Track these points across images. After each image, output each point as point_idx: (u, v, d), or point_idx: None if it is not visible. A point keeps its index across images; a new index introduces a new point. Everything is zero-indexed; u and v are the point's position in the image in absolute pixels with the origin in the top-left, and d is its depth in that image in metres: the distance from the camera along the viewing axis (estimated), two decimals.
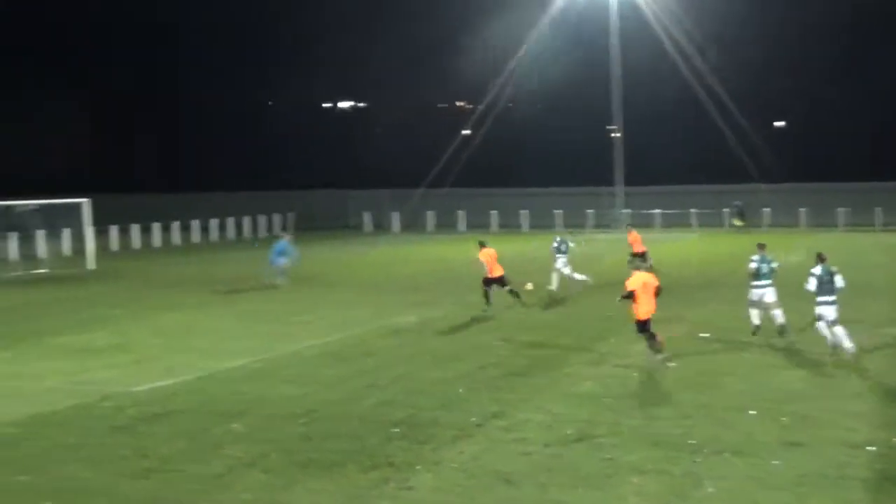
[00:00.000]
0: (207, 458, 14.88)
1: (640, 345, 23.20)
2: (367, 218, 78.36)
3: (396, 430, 16.26)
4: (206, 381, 20.53)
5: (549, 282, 33.38)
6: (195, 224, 68.37)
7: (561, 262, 33.93)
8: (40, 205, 50.95)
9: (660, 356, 21.68)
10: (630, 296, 21.70)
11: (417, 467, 14.28)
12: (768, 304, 24.16)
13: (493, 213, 75.09)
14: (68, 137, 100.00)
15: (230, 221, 72.03)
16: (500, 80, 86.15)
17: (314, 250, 54.00)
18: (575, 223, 72.46)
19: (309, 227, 79.93)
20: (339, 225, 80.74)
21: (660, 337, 21.96)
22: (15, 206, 50.12)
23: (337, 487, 13.52)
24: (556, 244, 34.45)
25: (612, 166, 74.23)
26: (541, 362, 21.98)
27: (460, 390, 19.14)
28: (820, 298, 21.75)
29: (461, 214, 75.85)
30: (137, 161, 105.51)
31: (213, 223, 70.40)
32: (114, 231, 61.36)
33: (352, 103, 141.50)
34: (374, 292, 36.00)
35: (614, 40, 71.20)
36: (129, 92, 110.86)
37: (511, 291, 30.47)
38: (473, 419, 16.90)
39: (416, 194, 78.05)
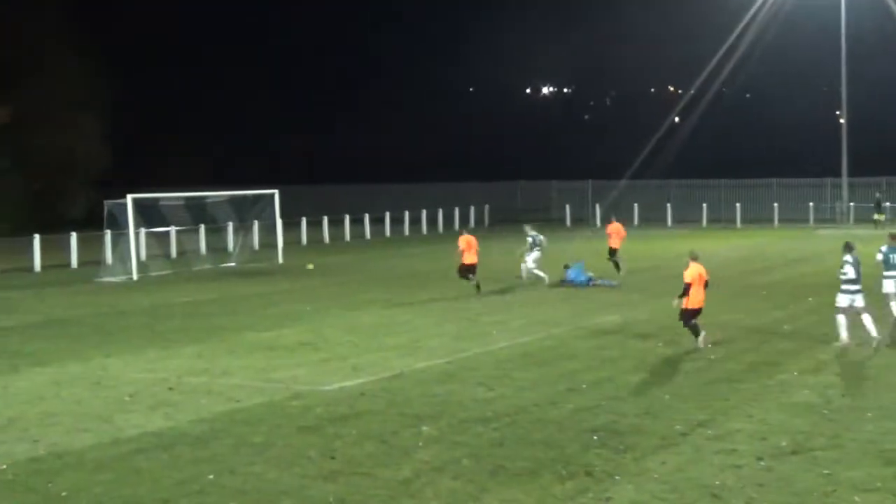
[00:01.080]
0: (396, 462, 15.16)
1: (865, 351, 22.73)
2: (567, 211, 78.17)
3: (595, 437, 16.23)
4: (395, 381, 20.89)
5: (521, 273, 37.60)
6: (387, 217, 69.48)
7: (533, 257, 37.17)
8: (230, 196, 52.77)
9: (702, 346, 23.71)
10: (688, 289, 23.66)
11: (617, 477, 14.22)
12: (887, 294, 25.31)
13: (704, 205, 73.95)
14: (260, 133, 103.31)
15: (424, 214, 72.92)
16: (713, 62, 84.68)
17: (509, 245, 54.26)
18: (794, 218, 70.84)
19: (508, 219, 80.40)
20: (539, 218, 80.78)
21: (703, 332, 23.95)
22: (207, 197, 52.04)
23: (530, 497, 13.56)
24: (531, 239, 37.15)
25: (839, 155, 72.10)
26: (754, 368, 21.60)
27: (665, 396, 18.97)
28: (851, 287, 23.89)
29: (669, 207, 74.96)
30: (325, 153, 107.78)
31: (406, 216, 71.38)
32: (303, 224, 62.96)
33: (554, 89, 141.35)
34: (571, 290, 35.93)
35: (843, 17, 69.08)
36: (324, 84, 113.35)
37: (476, 284, 34.84)
38: (678, 427, 16.74)
39: (620, 185, 77.54)
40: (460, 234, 36.40)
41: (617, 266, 39.38)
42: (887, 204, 69.35)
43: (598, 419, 17.37)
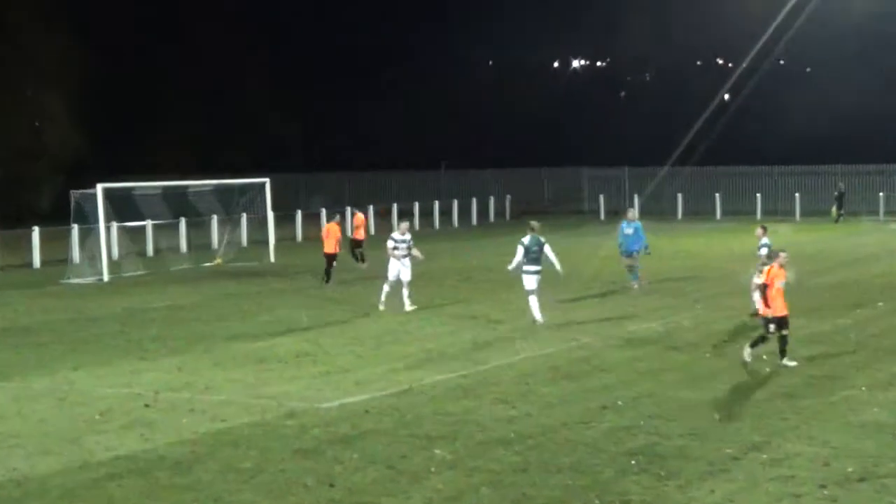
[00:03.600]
0: (405, 491, 15.15)
1: None
2: (601, 202, 77.98)
3: (634, 462, 16.21)
4: (404, 397, 20.89)
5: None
6: (395, 209, 69.36)
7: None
8: (215, 186, 52.74)
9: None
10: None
11: None
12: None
13: (757, 196, 73.77)
14: (251, 115, 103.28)
15: (436, 206, 72.84)
16: (769, 32, 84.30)
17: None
18: (862, 209, 70.65)
19: (535, 211, 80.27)
20: (570, 209, 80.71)
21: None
22: (188, 187, 52.01)
23: None
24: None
25: None
26: (816, 382, 21.55)
27: (714, 415, 18.94)
28: (526, 268, 28.02)
29: (717, 197, 74.79)
30: (324, 137, 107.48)
31: (416, 208, 71.21)
32: (298, 218, 62.88)
33: (586, 62, 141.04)
34: (605, 293, 35.87)
35: None
36: (323, 61, 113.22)
37: (327, 272, 39.38)
38: (729, 451, 16.70)
39: (661, 173, 77.42)
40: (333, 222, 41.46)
41: (361, 257, 44.97)
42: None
43: (636, 441, 17.34)
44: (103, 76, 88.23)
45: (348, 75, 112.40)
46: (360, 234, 46.69)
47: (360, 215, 48.14)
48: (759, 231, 30.70)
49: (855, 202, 72.37)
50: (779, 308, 23.08)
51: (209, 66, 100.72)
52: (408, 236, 33.54)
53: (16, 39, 78.01)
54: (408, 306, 32.28)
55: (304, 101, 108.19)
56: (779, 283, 23.20)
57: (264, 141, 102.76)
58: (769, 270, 23.40)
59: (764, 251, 29.02)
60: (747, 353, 23.34)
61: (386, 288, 32.71)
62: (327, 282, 39.11)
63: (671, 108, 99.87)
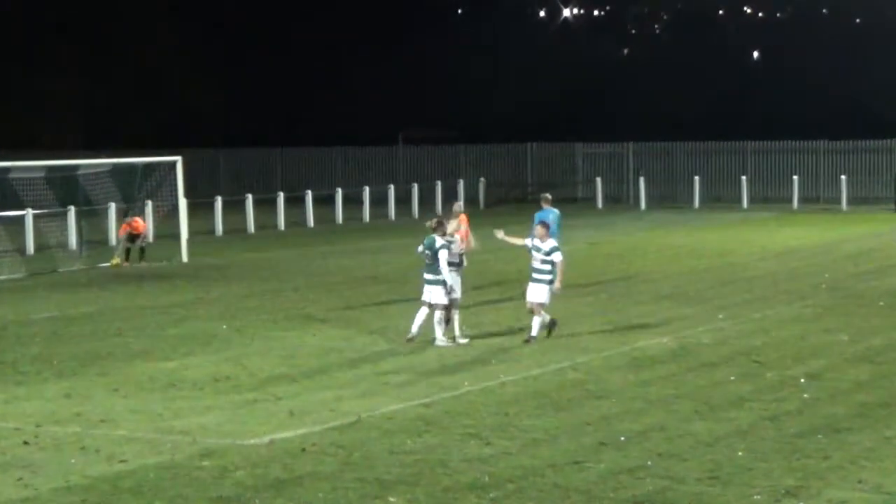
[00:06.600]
0: None
1: None
2: (598, 186, 77.80)
3: None
4: (351, 431, 20.87)
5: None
6: (339, 195, 69.20)
7: None
8: (113, 166, 52.48)
9: None
10: None
11: None
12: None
13: (794, 178, 73.85)
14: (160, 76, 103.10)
15: (391, 191, 72.74)
16: None
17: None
18: None
19: (515, 198, 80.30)
20: (560, 196, 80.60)
21: None
22: (78, 167, 51.73)
23: None
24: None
25: None
26: (866, 412, 21.65)
27: (739, 453, 19.01)
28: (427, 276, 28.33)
29: (744, 181, 74.89)
30: (252, 105, 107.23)
31: (366, 193, 71.10)
32: (218, 206, 62.65)
33: (581, 11, 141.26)
34: (604, 301, 35.92)
35: None
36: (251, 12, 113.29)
37: (140, 251, 47.85)
38: (757, 497, 16.79)
39: (674, 150, 77.46)
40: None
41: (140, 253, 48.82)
42: None
43: (642, 486, 17.41)
44: None
45: (279, 29, 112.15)
46: (138, 227, 49.05)
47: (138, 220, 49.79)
48: (539, 230, 29.27)
49: None
50: None
51: (102, 11, 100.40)
52: (456, 236, 29.59)
53: None
54: (459, 337, 28.94)
55: (223, 58, 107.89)
56: None
57: (174, 110, 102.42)
58: None
59: (558, 257, 28.17)
60: None
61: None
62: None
63: (687, 68, 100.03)
